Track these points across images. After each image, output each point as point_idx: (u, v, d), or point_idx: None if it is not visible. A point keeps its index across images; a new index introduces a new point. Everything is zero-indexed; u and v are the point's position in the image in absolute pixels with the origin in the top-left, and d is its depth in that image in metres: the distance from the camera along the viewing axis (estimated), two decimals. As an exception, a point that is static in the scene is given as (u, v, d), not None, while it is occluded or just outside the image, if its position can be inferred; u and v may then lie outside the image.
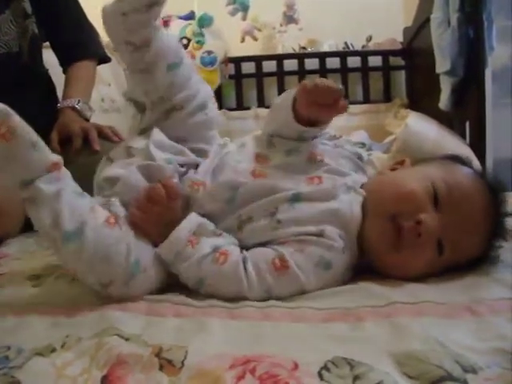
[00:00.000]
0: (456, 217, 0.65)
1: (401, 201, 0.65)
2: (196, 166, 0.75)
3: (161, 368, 0.47)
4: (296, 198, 0.68)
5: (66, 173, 0.64)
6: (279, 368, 0.45)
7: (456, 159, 0.74)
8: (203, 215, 0.69)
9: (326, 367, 0.45)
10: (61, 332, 0.56)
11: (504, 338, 0.48)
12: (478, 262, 0.68)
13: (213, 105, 0.80)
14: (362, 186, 0.72)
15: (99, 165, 0.77)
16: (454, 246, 0.65)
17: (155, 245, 0.66)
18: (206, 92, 0.79)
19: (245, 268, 0.64)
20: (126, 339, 0.53)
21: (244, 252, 0.66)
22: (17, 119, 0.60)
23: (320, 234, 0.65)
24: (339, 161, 0.74)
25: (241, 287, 0.63)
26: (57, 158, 0.63)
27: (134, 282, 0.63)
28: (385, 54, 2.47)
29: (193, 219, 0.67)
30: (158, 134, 0.74)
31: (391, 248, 0.64)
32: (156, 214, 0.66)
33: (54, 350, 0.52)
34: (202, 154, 0.77)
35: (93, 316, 0.60)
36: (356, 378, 0.43)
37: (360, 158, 0.78)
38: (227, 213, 0.69)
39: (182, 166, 0.74)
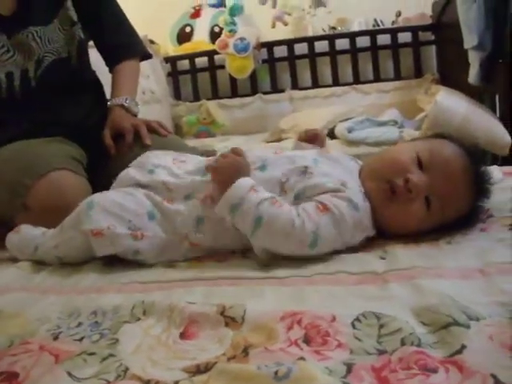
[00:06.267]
0: (439, 176, 0.79)
1: (391, 167, 0.83)
2: None
3: (226, 325, 0.59)
4: (316, 161, 0.87)
5: None
6: (321, 320, 0.56)
7: (444, 137, 0.88)
8: None
9: (357, 319, 0.56)
10: (136, 299, 0.69)
11: (506, 294, 0.57)
12: (466, 221, 0.82)
13: None
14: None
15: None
16: (440, 201, 0.79)
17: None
18: None
19: (298, 213, 0.77)
20: (193, 304, 0.65)
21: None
22: None
23: (343, 185, 0.80)
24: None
25: (293, 227, 0.75)
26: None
27: None
28: (414, 29, 2.48)
29: (248, 178, 0.81)
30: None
31: (387, 202, 0.80)
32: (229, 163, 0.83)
33: (138, 319, 0.63)
34: None
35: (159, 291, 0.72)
36: (381, 326, 0.54)
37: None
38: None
39: None
